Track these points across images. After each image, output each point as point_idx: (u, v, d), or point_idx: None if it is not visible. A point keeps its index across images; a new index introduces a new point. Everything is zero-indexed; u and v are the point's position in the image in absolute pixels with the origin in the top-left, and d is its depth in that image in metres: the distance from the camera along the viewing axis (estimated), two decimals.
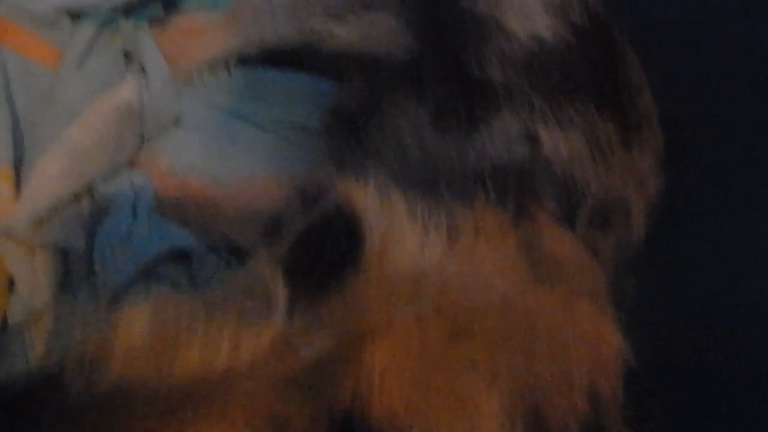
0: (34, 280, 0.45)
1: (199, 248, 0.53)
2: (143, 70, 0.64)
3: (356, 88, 0.64)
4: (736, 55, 0.59)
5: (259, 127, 0.68)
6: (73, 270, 0.47)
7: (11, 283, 0.47)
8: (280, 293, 0.37)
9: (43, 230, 0.46)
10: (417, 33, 0.58)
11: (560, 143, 0.49)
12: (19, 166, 0.53)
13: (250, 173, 0.65)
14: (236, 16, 0.67)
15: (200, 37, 0.68)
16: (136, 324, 0.35)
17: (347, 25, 0.61)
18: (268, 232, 0.53)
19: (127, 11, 0.65)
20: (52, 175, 0.47)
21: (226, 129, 0.67)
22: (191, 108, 0.67)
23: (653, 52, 0.58)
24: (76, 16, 0.61)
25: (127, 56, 0.63)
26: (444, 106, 0.52)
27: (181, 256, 0.52)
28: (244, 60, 0.68)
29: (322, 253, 0.40)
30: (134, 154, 0.59)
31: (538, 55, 0.52)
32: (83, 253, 0.48)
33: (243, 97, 0.69)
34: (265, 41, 0.66)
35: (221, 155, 0.65)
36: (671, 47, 0.61)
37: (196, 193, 0.60)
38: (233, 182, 0.63)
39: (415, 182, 0.43)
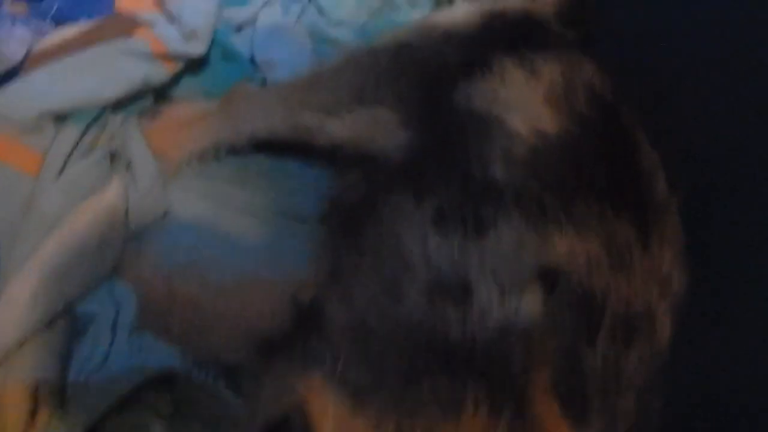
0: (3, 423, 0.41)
1: (184, 368, 0.49)
2: (130, 166, 0.62)
3: (353, 182, 0.62)
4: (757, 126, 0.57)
5: (251, 216, 0.65)
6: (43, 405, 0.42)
7: None
8: None
9: (11, 366, 0.42)
10: (415, 130, 0.55)
11: (576, 249, 0.45)
12: None
13: (241, 272, 0.62)
14: (227, 106, 0.65)
15: (190, 128, 0.65)
16: None
17: (341, 120, 0.59)
18: (259, 351, 0.49)
19: (116, 107, 0.63)
20: (23, 302, 0.43)
21: (215, 220, 0.64)
22: (179, 199, 0.64)
23: (664, 127, 0.55)
24: (60, 118, 0.58)
25: (114, 156, 0.61)
26: (446, 209, 0.48)
27: (165, 380, 0.48)
28: (234, 150, 0.66)
29: None
30: (117, 259, 0.56)
31: (543, 152, 0.48)
32: (56, 385, 0.43)
33: (233, 185, 0.67)
34: (256, 133, 0.63)
35: (210, 251, 0.62)
36: (683, 121, 0.58)
37: (183, 300, 0.56)
38: (223, 284, 0.60)
39: (395, 386, 0.39)
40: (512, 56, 0.54)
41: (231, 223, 0.64)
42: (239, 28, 0.73)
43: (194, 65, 0.68)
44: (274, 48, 0.71)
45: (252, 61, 0.73)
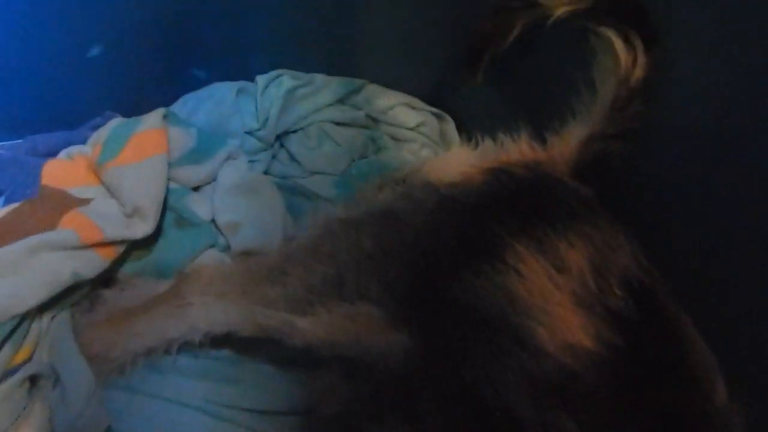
0: None
1: None
2: (59, 382, 0.49)
3: (332, 387, 0.50)
4: None
5: (210, 415, 0.53)
6: None
7: None
8: None
9: None
10: (408, 333, 0.43)
11: None
12: None
13: None
14: (178, 292, 0.54)
15: (134, 322, 0.53)
16: None
17: (314, 317, 0.47)
18: None
19: (44, 307, 0.51)
20: None
21: (170, 424, 0.52)
22: (127, 403, 0.52)
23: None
24: None
25: (37, 377, 0.49)
26: None
27: None
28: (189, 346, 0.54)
29: None
30: None
31: (578, 376, 0.37)
32: None
33: (189, 378, 0.55)
34: (213, 330, 0.51)
35: None
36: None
37: None
38: None
39: None
40: (527, 239, 0.43)
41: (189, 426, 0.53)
42: (197, 188, 0.63)
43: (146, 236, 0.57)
44: (237, 209, 0.60)
45: (213, 222, 0.62)
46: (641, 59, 0.48)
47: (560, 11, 0.52)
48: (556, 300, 0.40)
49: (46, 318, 0.52)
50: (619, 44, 0.50)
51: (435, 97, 0.81)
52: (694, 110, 0.48)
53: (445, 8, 0.68)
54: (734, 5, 0.42)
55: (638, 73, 0.49)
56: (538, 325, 0.39)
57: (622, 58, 0.49)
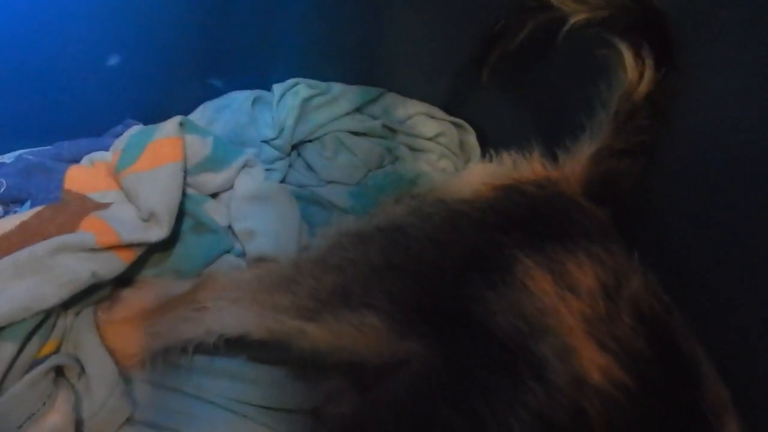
0: None
1: None
2: (84, 374, 0.52)
3: (340, 390, 0.51)
4: None
5: (224, 409, 0.55)
6: None
7: None
8: None
9: None
10: (417, 340, 0.44)
11: None
12: None
13: None
14: (194, 296, 0.55)
15: (152, 321, 0.55)
16: None
17: (322, 324, 0.48)
18: None
19: (68, 305, 0.53)
20: None
21: (187, 416, 0.54)
22: (148, 395, 0.54)
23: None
24: None
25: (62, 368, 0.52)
26: None
27: None
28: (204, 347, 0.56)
29: None
30: None
31: (585, 414, 0.36)
32: None
33: (206, 378, 0.56)
34: (227, 334, 0.53)
35: None
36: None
37: None
38: None
39: None
40: (536, 254, 0.43)
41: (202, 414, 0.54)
42: (214, 195, 0.65)
43: (161, 240, 0.58)
44: (253, 216, 0.62)
45: (230, 229, 0.64)
46: (649, 75, 0.48)
47: (577, 17, 0.52)
48: (567, 325, 0.39)
49: (70, 314, 0.54)
50: (629, 57, 0.50)
51: (456, 106, 0.80)
52: (708, 131, 0.48)
53: (467, 15, 0.67)
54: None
55: (643, 88, 0.48)
56: (552, 354, 0.38)
57: (629, 71, 0.49)
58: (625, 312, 0.39)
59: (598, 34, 0.51)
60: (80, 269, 0.51)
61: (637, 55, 0.49)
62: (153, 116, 0.67)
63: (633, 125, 0.49)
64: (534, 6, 0.55)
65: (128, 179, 0.57)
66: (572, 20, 0.52)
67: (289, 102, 0.71)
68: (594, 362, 0.37)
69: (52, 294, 0.50)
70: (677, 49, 0.49)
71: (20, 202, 0.58)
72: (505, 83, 0.68)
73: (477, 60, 0.64)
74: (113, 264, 0.53)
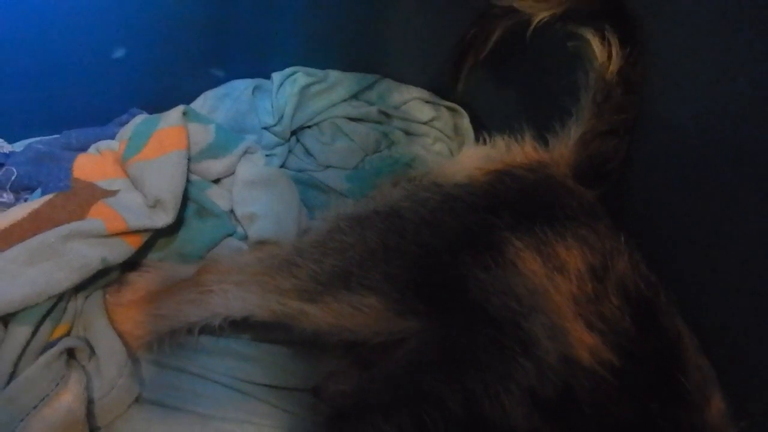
0: None
1: None
2: (94, 355, 0.54)
3: (341, 370, 0.53)
4: None
5: (229, 388, 0.57)
6: None
7: None
8: None
9: None
10: (415, 318, 0.46)
11: None
12: None
13: None
14: (200, 279, 0.58)
15: (159, 304, 0.57)
16: None
17: (323, 305, 0.50)
18: None
19: (78, 288, 0.56)
20: None
21: (193, 395, 0.57)
22: (155, 375, 0.57)
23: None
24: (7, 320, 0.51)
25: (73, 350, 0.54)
26: None
27: None
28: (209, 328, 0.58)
29: None
30: None
31: (573, 392, 0.38)
32: None
33: (211, 358, 0.59)
34: (232, 315, 0.55)
35: None
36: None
37: None
38: None
39: None
40: (525, 236, 0.45)
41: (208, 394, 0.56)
42: (217, 180, 0.67)
43: (167, 226, 0.60)
44: (254, 201, 0.64)
45: (232, 213, 0.66)
46: (616, 52, 0.51)
47: (540, 16, 0.55)
48: (556, 305, 0.41)
49: (81, 298, 0.56)
50: (595, 42, 0.53)
51: (450, 91, 0.81)
52: (688, 109, 0.49)
53: (459, 1, 0.69)
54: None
55: (614, 66, 0.51)
56: (542, 333, 0.40)
57: (598, 54, 0.52)
58: (613, 293, 0.41)
59: (564, 28, 0.54)
60: (91, 255, 0.53)
61: (602, 38, 0.52)
62: (157, 105, 0.70)
63: (611, 104, 0.51)
64: (498, 13, 0.58)
65: (135, 167, 0.59)
66: (536, 19, 0.55)
67: (288, 90, 0.73)
68: (582, 341, 0.39)
69: (64, 279, 0.52)
70: (638, 24, 0.51)
71: (31, 189, 0.60)
72: (498, 68, 0.70)
73: (450, 71, 0.66)
74: (122, 249, 0.55)
